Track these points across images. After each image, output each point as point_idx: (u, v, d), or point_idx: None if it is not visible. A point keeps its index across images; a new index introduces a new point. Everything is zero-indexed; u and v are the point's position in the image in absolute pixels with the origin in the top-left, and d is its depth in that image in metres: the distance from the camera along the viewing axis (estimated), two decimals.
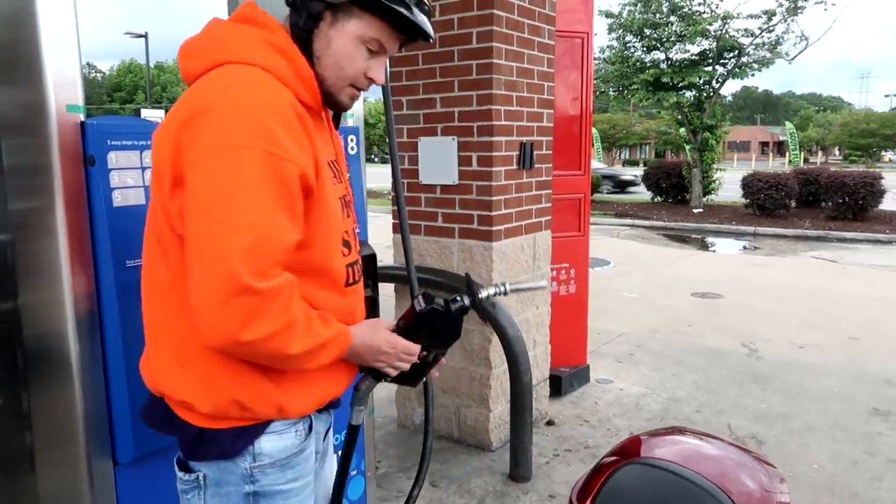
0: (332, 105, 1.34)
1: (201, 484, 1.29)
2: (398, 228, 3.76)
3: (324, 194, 1.24)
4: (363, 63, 1.29)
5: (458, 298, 1.42)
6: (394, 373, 1.41)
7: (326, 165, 1.29)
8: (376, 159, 45.89)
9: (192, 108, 1.16)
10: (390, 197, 3.92)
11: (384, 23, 1.25)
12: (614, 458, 1.53)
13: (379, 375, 1.44)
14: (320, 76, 1.28)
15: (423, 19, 1.27)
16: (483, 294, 1.45)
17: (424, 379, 1.56)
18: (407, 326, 1.40)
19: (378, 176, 16.48)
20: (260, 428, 1.28)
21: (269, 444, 1.29)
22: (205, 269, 1.09)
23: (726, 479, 1.49)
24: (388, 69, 1.87)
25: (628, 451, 1.56)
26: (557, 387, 4.25)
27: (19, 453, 1.77)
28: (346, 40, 1.25)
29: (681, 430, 1.81)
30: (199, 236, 1.11)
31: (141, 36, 34.06)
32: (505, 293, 1.50)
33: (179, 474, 1.32)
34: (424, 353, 1.46)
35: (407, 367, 1.41)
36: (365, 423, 2.53)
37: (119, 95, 56.90)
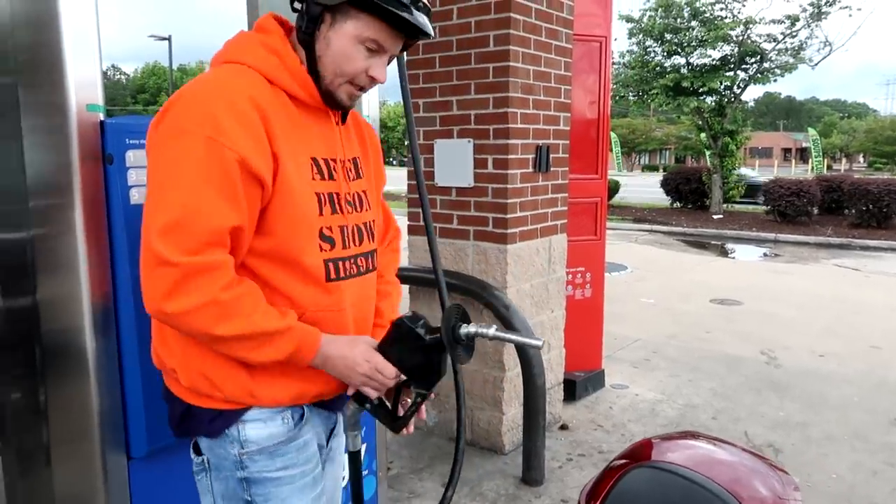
0: (333, 103, 1.36)
1: (207, 467, 1.37)
2: (414, 230, 3.77)
3: (285, 188, 1.26)
4: (363, 63, 1.31)
5: (438, 328, 1.34)
6: (374, 394, 1.38)
7: (307, 161, 1.31)
8: (395, 162, 46.01)
9: (167, 103, 1.27)
10: (406, 199, 3.93)
11: (381, 22, 1.27)
12: (624, 461, 1.51)
13: (362, 399, 1.40)
14: (320, 74, 1.32)
15: (420, 18, 1.27)
16: (463, 330, 1.34)
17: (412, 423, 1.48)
18: (382, 341, 1.36)
19: (396, 179, 16.53)
20: (236, 413, 1.32)
21: (255, 431, 1.33)
22: (142, 241, 1.20)
23: (738, 485, 1.47)
24: (406, 71, 1.87)
25: (639, 454, 1.54)
26: (572, 391, 4.23)
27: (36, 448, 1.80)
28: (345, 41, 1.28)
29: (693, 435, 1.79)
30: (143, 213, 1.22)
31: (164, 39, 34.51)
32: (487, 336, 1.35)
33: (192, 456, 1.41)
34: (405, 386, 1.40)
35: (382, 388, 1.37)
36: (377, 424, 2.54)
37: (143, 97, 57.64)
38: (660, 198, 20.08)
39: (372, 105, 2.39)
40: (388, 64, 1.38)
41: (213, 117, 1.19)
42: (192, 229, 1.16)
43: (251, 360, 1.25)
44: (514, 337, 1.44)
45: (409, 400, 1.45)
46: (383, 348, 1.35)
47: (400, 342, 1.35)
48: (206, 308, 1.17)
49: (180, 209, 1.17)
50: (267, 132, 1.23)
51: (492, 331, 1.35)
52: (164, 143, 1.21)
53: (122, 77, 66.55)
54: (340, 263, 1.36)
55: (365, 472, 2.43)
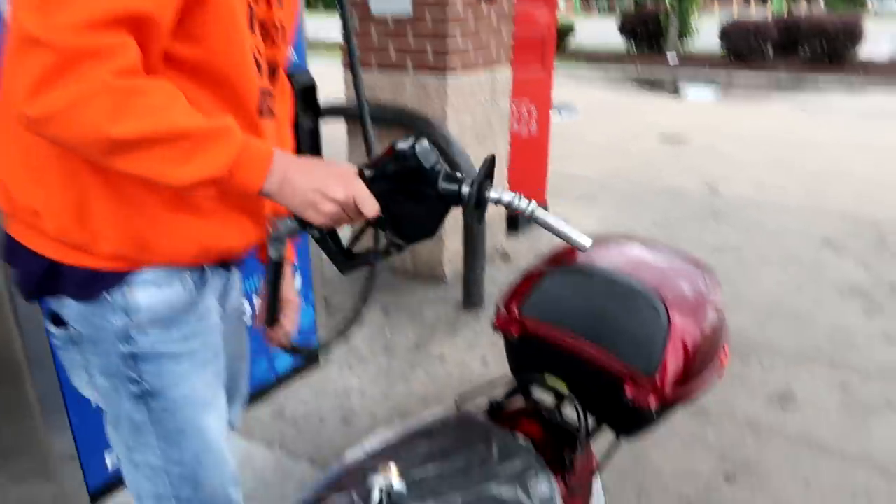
0: None
1: (77, 340, 1.08)
2: (348, 65, 3.57)
3: None
4: None
5: (460, 178, 0.99)
6: (328, 222, 1.01)
7: None
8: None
9: None
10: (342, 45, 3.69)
11: None
12: (546, 265, 1.49)
13: (306, 224, 1.03)
14: None
15: None
16: (493, 195, 1.00)
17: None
18: (372, 167, 1.01)
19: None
20: (118, 276, 1.02)
21: (147, 296, 1.04)
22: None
23: (664, 286, 1.47)
24: None
25: (562, 258, 1.51)
26: (515, 224, 4.26)
27: None
28: None
29: (625, 237, 1.76)
30: None
31: None
32: (523, 211, 1.01)
33: (51, 328, 1.09)
34: (378, 228, 1.06)
35: (349, 224, 1.04)
36: (311, 255, 2.51)
37: None
38: (617, 42, 19.54)
39: None
40: None
41: None
42: (84, 6, 0.81)
43: (173, 181, 0.89)
44: (556, 226, 1.01)
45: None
46: (372, 177, 1.00)
47: (397, 179, 0.99)
48: (94, 99, 0.82)
49: None
50: None
51: (530, 207, 1.01)
52: None
53: None
54: (270, 99, 1.12)
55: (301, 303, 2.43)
